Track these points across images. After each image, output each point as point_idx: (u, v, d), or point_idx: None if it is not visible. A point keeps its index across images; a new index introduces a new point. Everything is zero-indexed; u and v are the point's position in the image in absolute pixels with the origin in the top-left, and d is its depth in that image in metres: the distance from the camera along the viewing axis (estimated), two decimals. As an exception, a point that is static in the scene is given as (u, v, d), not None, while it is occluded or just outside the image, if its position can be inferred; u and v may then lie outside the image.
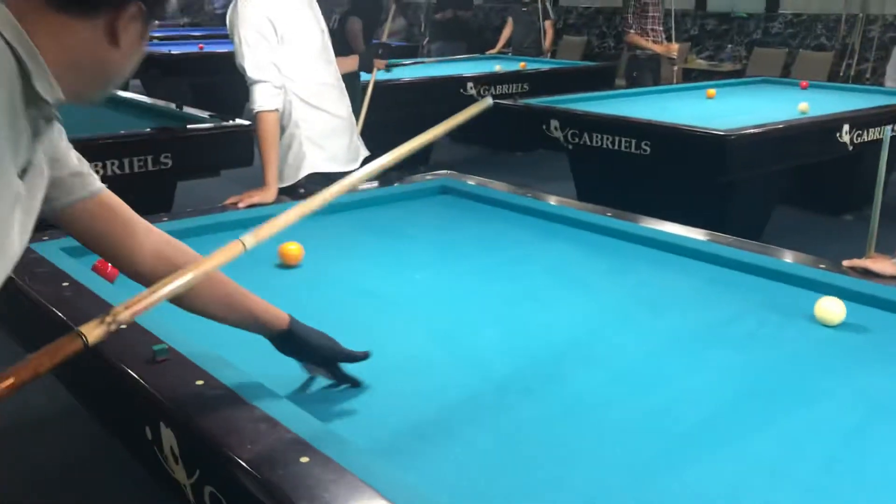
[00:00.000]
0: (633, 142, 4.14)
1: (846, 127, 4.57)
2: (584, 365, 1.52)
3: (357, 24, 4.79)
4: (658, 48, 6.02)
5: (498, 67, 7.06)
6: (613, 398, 1.40)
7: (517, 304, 1.83)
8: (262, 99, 2.58)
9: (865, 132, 4.73)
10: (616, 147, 4.20)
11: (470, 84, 6.31)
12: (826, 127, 4.51)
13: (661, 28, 6.06)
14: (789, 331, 1.69)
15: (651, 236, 2.17)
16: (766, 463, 1.20)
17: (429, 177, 2.72)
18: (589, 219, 2.30)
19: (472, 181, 2.68)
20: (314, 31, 2.80)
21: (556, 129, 4.46)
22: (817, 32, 8.19)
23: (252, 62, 2.57)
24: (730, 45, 8.77)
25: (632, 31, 5.95)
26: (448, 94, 6.24)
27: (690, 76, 8.25)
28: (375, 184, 2.62)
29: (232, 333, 1.35)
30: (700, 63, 8.75)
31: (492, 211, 2.49)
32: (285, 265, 2.00)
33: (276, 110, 2.62)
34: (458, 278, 1.98)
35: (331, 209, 2.35)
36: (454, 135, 7.65)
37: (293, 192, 2.65)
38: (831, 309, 1.70)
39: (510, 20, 8.84)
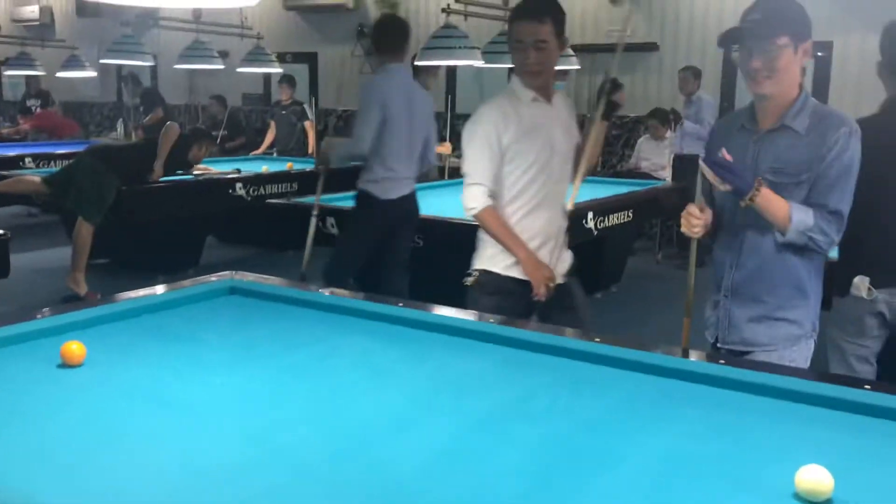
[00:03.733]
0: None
1: (591, 214, 5.07)
2: (401, 452, 1.55)
3: None
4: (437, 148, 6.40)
5: (265, 168, 7.10)
6: (430, 482, 1.44)
7: (326, 399, 1.82)
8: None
9: (607, 218, 5.27)
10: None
11: (239, 185, 6.28)
12: (576, 214, 4.98)
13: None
14: (580, 401, 1.83)
15: (443, 322, 2.27)
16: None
17: (213, 278, 2.66)
18: (383, 310, 2.36)
19: (259, 280, 2.66)
20: None
21: (332, 226, 4.53)
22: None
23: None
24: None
25: None
26: (217, 196, 6.18)
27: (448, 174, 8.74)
28: (160, 289, 2.52)
29: None
30: (455, 161, 9.28)
31: (285, 309, 2.47)
32: (67, 364, 1.90)
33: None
34: (260, 378, 1.94)
35: (110, 316, 2.26)
36: (223, 235, 7.53)
37: None
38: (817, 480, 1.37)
39: (272, 123, 8.96)
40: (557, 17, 2.77)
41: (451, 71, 9.14)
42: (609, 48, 8.11)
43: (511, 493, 1.39)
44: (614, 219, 5.29)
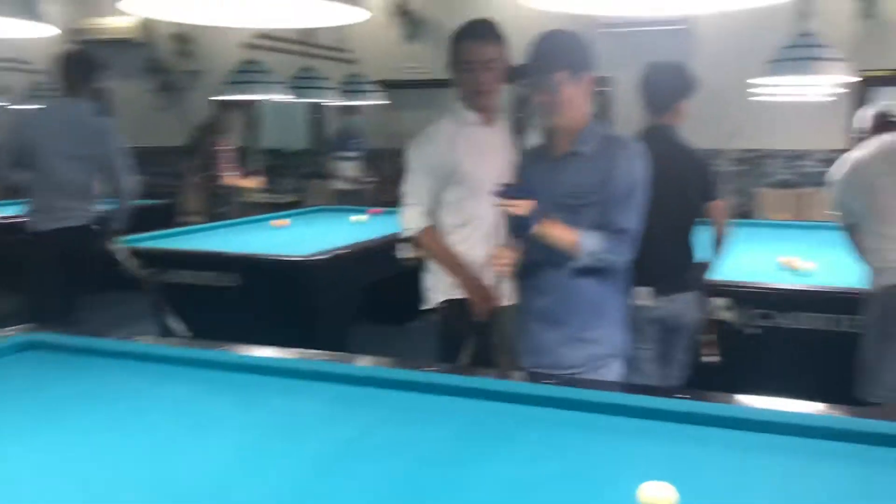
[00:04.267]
0: (222, 274, 4.15)
1: (401, 245, 5.11)
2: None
3: None
4: (248, 182, 6.29)
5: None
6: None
7: (147, 458, 1.69)
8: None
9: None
10: (204, 282, 4.16)
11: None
12: (386, 246, 5.01)
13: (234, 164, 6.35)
14: (418, 433, 1.82)
15: (270, 364, 2.19)
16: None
17: (10, 332, 2.41)
18: (205, 356, 2.24)
19: (62, 333, 2.44)
20: None
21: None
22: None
23: None
24: (287, 179, 9.29)
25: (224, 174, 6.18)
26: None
27: (255, 208, 8.53)
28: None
29: None
30: (262, 196, 9.09)
31: (97, 362, 2.28)
32: None
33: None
34: (68, 443, 1.77)
35: None
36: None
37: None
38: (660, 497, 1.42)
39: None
40: (502, 39, 2.80)
41: (252, 105, 8.97)
42: (408, 83, 8.32)
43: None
44: (427, 248, 5.37)
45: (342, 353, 2.30)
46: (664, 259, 3.06)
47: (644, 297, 3.03)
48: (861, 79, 3.73)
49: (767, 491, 1.52)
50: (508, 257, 2.43)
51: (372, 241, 4.91)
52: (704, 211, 3.21)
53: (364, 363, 2.20)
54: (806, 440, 1.70)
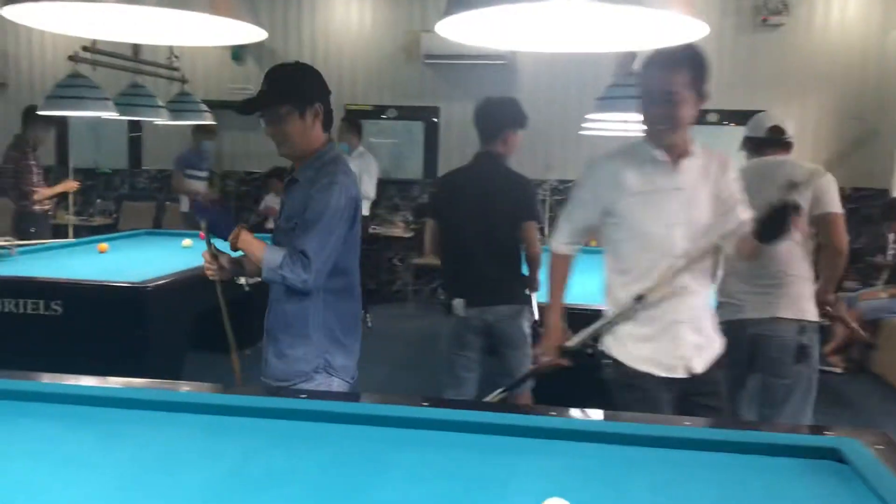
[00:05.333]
0: (42, 303, 3.85)
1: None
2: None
3: None
4: (66, 186, 6.00)
5: None
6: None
7: None
8: None
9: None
10: (22, 310, 3.85)
11: None
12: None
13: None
14: (297, 461, 1.79)
15: (136, 396, 2.07)
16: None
17: None
18: (61, 390, 2.08)
19: None
20: None
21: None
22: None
23: None
24: (99, 200, 8.77)
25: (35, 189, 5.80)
26: None
27: (62, 232, 7.98)
28: None
29: None
30: (70, 218, 8.52)
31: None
32: None
33: None
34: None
35: None
36: None
37: None
38: None
39: None
40: (695, 67, 2.41)
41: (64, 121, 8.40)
42: (233, 104, 8.13)
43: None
44: (263, 274, 5.25)
45: (206, 382, 2.21)
46: (481, 273, 3.41)
47: (458, 308, 3.44)
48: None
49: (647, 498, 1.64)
50: (212, 264, 2.68)
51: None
52: (520, 231, 3.46)
53: (231, 392, 2.13)
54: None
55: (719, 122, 7.87)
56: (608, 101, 4.18)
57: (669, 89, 2.35)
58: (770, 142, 3.29)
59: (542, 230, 3.53)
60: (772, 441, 1.84)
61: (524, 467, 1.78)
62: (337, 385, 2.60)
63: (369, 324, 6.88)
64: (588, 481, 1.70)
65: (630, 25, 1.94)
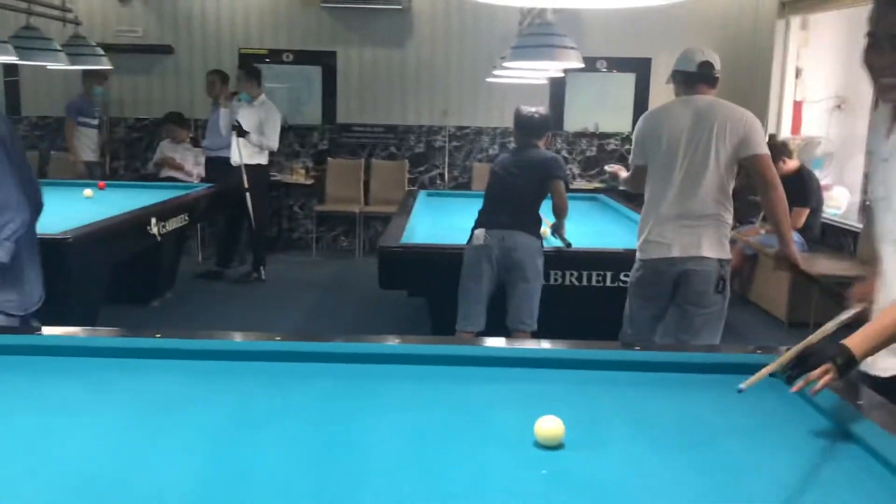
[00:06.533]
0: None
1: (154, 220, 4.91)
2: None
3: None
4: None
5: None
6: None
7: (25, 453, 1.59)
8: None
9: (167, 223, 5.16)
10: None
11: None
12: (139, 221, 4.78)
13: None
14: (291, 399, 1.90)
15: (110, 346, 2.11)
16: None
17: None
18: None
19: None
20: None
21: None
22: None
23: None
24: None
25: None
26: None
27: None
28: None
29: None
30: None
31: None
32: None
33: None
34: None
35: None
36: None
37: None
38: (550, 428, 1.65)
39: None
40: None
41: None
42: (121, 48, 7.80)
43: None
44: (174, 223, 5.19)
45: (186, 329, 2.26)
46: (508, 209, 3.93)
47: (479, 237, 3.87)
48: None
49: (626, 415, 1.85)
50: None
51: (118, 217, 4.65)
52: (549, 187, 4.00)
53: (218, 338, 2.20)
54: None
55: (609, 70, 8.21)
56: (521, 49, 4.32)
57: None
58: (700, 76, 3.45)
59: (567, 188, 4.09)
60: (720, 361, 2.10)
61: (505, 393, 1.96)
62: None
63: (263, 277, 6.84)
64: (565, 401, 1.89)
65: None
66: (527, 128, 4.10)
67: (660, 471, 1.57)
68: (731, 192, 3.41)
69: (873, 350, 1.72)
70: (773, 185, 3.31)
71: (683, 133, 3.37)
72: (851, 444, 1.64)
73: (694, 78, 3.45)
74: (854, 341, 1.71)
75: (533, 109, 4.18)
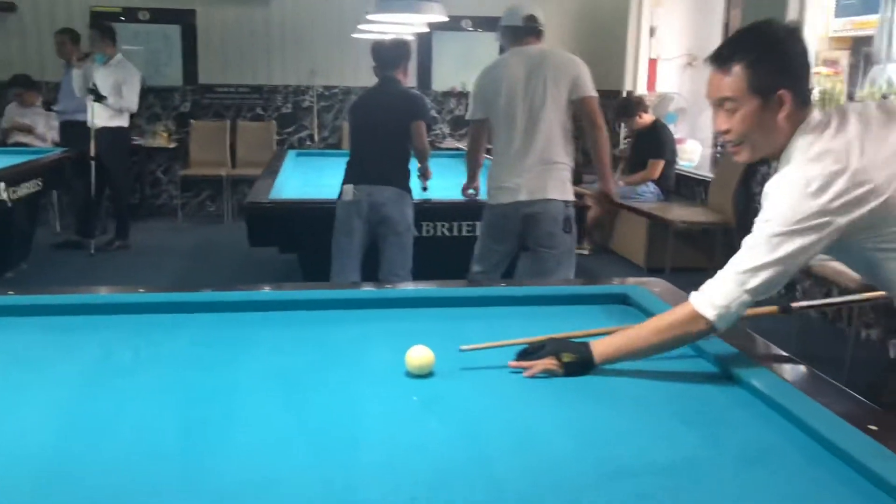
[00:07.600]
0: None
1: (3, 185, 4.64)
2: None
3: None
4: None
5: None
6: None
7: None
8: None
9: (18, 188, 4.89)
10: None
11: None
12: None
13: None
14: (159, 347, 1.88)
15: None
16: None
17: None
18: None
19: None
20: None
21: None
22: None
23: None
24: None
25: None
26: None
27: None
28: None
29: None
30: None
31: None
32: None
33: None
34: None
35: None
36: None
37: None
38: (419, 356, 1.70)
39: None
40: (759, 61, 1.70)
41: None
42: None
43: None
44: (26, 188, 4.92)
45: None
46: (372, 160, 3.85)
47: (347, 193, 3.82)
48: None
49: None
50: None
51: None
52: (411, 128, 3.89)
53: (79, 293, 2.13)
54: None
55: (474, 29, 8.29)
56: (385, 2, 4.32)
57: None
58: (526, 29, 3.63)
59: (429, 129, 4.03)
60: (578, 293, 2.21)
61: (376, 332, 2.00)
62: None
63: (128, 244, 6.60)
64: (435, 335, 1.95)
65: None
66: (381, 59, 3.97)
67: (518, 392, 1.65)
68: (571, 135, 3.62)
69: (613, 359, 1.74)
70: (598, 126, 3.59)
71: (520, 82, 3.54)
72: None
73: (521, 31, 3.64)
74: (600, 347, 1.74)
75: (386, 38, 4.08)
